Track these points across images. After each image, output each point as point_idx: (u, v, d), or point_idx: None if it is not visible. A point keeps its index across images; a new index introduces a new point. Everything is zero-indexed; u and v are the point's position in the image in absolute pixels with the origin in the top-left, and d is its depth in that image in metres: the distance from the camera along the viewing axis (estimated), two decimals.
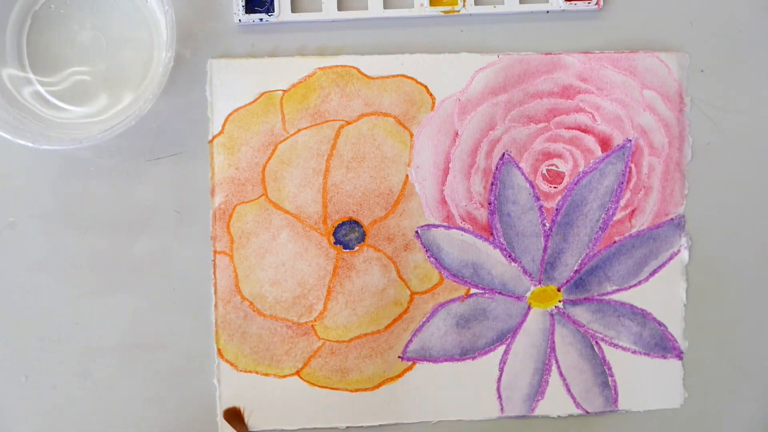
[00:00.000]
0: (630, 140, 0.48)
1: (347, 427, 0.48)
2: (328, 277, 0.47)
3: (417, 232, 0.48)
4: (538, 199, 0.48)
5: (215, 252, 0.47)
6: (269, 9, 0.46)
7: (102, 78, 0.46)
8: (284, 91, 0.47)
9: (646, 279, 0.48)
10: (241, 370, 0.47)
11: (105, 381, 0.47)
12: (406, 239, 0.47)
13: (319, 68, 0.47)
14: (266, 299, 0.47)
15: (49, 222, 0.46)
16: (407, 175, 0.47)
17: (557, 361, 0.48)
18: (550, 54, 0.48)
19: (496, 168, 0.48)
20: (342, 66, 0.47)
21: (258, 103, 0.47)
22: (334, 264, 0.47)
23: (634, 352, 0.49)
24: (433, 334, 0.48)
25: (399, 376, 0.48)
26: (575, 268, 0.48)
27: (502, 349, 0.48)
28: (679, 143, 0.48)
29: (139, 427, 0.47)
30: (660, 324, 0.49)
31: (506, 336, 0.48)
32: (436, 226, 0.48)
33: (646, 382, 0.49)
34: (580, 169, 0.48)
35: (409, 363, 0.48)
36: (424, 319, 0.48)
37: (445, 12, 0.47)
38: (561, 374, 0.48)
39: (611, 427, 0.49)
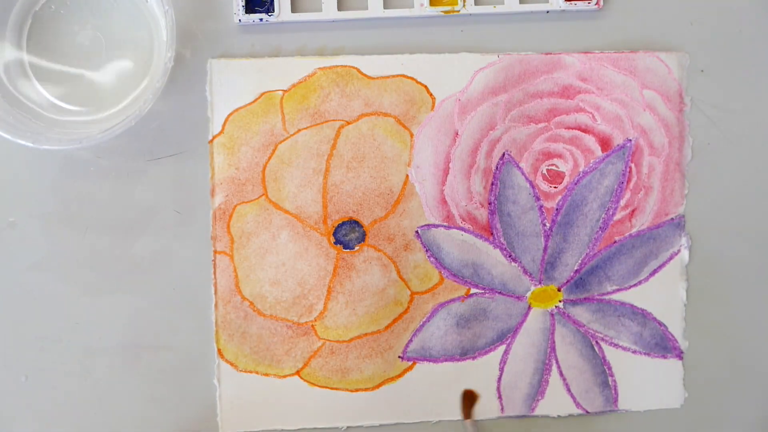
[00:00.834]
0: (630, 140, 0.48)
1: (347, 427, 0.48)
2: (328, 277, 0.47)
3: (417, 232, 0.48)
4: (538, 199, 0.48)
5: (215, 252, 0.47)
6: (269, 9, 0.46)
7: (102, 78, 0.46)
8: (284, 91, 0.47)
9: (647, 279, 0.49)
10: (241, 370, 0.47)
11: (105, 381, 0.47)
12: (406, 239, 0.47)
13: (319, 68, 0.47)
14: (266, 299, 0.47)
15: (49, 222, 0.46)
16: (407, 175, 0.47)
17: (557, 361, 0.48)
18: (550, 54, 0.48)
19: (496, 168, 0.48)
20: (342, 66, 0.47)
21: (258, 103, 0.47)
22: (334, 264, 0.47)
23: (634, 351, 0.49)
24: (434, 334, 0.48)
25: (399, 376, 0.48)
26: (575, 268, 0.48)
27: (502, 348, 0.48)
28: (679, 143, 0.48)
29: (139, 427, 0.47)
30: (660, 324, 0.49)
31: (506, 336, 0.48)
32: (436, 226, 0.48)
33: (646, 382, 0.49)
34: (580, 169, 0.48)
35: (410, 363, 0.48)
36: (424, 319, 0.48)
37: (445, 12, 0.47)
38: (561, 374, 0.48)
39: (611, 427, 0.49)
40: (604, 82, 0.48)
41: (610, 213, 0.48)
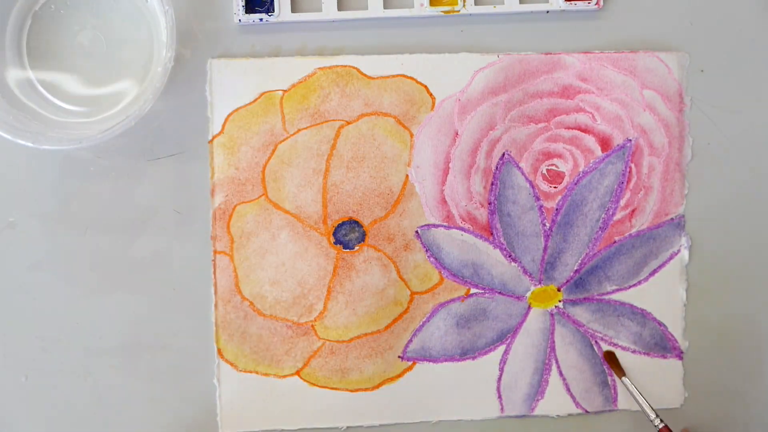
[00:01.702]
0: (630, 140, 0.48)
1: (347, 427, 0.48)
2: (328, 277, 0.47)
3: (417, 232, 0.47)
4: (538, 199, 0.48)
5: (215, 252, 0.47)
6: (269, 9, 0.46)
7: (102, 78, 0.46)
8: (284, 91, 0.47)
9: (646, 279, 0.49)
10: (241, 370, 0.47)
11: (105, 381, 0.47)
12: (406, 239, 0.47)
13: (319, 68, 0.47)
14: (266, 299, 0.47)
15: (49, 222, 0.46)
16: (407, 175, 0.47)
17: (557, 361, 0.48)
18: (550, 54, 0.48)
19: (496, 168, 0.48)
20: (342, 66, 0.47)
21: (258, 103, 0.47)
22: (334, 264, 0.47)
23: (634, 351, 0.49)
24: (433, 334, 0.48)
25: (399, 376, 0.48)
26: (575, 268, 0.48)
27: (502, 348, 0.48)
28: (679, 143, 0.48)
29: (139, 427, 0.47)
30: (660, 324, 0.49)
31: (506, 336, 0.48)
32: (436, 226, 0.48)
33: (646, 382, 0.49)
34: (580, 169, 0.48)
35: (409, 363, 0.48)
36: (424, 319, 0.48)
37: (445, 12, 0.47)
38: (561, 374, 0.48)
39: (611, 426, 0.49)
40: (604, 82, 0.48)
41: (610, 213, 0.48)
